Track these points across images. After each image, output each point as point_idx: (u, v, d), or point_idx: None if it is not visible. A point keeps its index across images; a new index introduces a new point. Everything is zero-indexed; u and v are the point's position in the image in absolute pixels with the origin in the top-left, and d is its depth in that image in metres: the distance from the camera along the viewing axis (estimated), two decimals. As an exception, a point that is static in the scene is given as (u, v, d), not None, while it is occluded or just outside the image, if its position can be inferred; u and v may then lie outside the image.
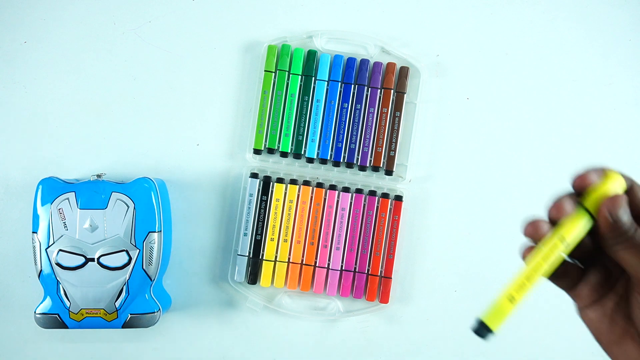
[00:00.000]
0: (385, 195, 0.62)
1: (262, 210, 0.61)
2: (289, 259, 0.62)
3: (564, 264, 0.31)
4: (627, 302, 0.32)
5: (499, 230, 0.63)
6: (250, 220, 0.61)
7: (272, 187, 0.61)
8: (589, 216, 0.30)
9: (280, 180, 0.61)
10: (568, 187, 0.32)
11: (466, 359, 0.63)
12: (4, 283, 0.62)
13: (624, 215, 0.30)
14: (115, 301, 0.56)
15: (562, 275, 0.32)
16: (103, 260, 0.55)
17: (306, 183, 0.61)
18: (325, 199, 0.61)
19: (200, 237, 0.62)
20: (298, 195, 0.61)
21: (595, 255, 0.32)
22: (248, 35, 0.63)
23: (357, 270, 0.62)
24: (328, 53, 0.62)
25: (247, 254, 0.62)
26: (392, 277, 0.62)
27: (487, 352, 0.63)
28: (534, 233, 0.31)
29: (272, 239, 0.61)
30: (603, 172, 0.31)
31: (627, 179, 0.31)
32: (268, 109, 0.61)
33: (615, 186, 0.30)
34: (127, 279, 0.56)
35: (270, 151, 0.62)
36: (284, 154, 0.62)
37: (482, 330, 0.31)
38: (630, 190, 0.31)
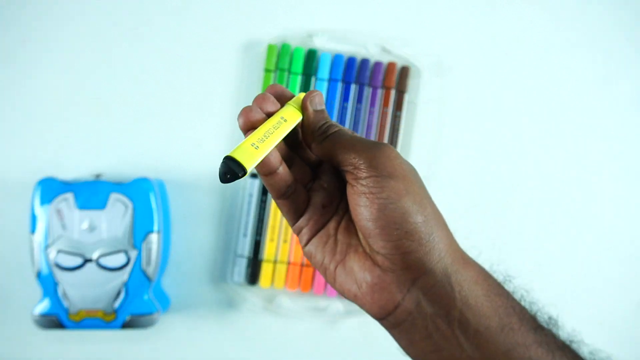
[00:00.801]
0: (385, 196, 0.61)
1: (262, 211, 0.61)
2: (289, 259, 0.61)
3: (292, 185, 0.35)
4: (345, 215, 0.35)
5: (499, 230, 0.63)
6: (250, 221, 0.61)
7: (272, 188, 0.61)
8: (296, 110, 0.34)
9: (280, 181, 0.61)
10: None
11: None
12: (3, 284, 0.61)
13: (322, 104, 0.35)
14: (114, 302, 0.56)
15: (292, 194, 0.35)
16: (102, 261, 0.55)
17: (306, 183, 0.61)
18: (325, 199, 0.61)
19: (200, 237, 0.62)
20: (298, 195, 0.61)
21: (313, 177, 0.36)
22: (248, 35, 0.62)
23: (357, 270, 0.61)
24: (328, 52, 0.61)
25: (247, 255, 0.61)
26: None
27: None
28: (247, 119, 0.33)
29: (272, 240, 0.61)
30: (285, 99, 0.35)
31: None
32: (268, 108, 0.61)
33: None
34: (125, 279, 0.56)
35: (270, 151, 0.62)
36: (284, 154, 0.62)
37: (233, 168, 0.30)
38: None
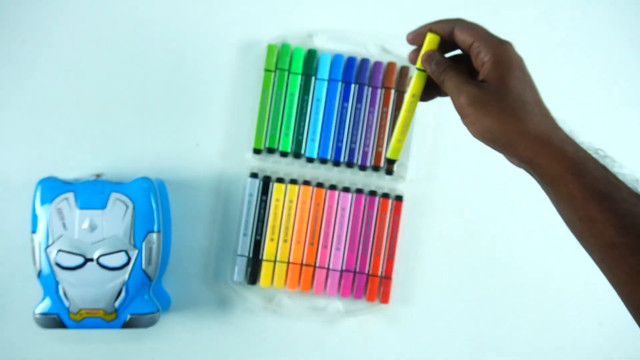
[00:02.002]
0: (385, 196, 0.62)
1: (262, 210, 0.61)
2: (288, 259, 0.61)
3: (426, 91, 0.45)
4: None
5: (499, 230, 0.63)
6: (250, 221, 0.61)
7: (272, 187, 0.61)
8: (422, 72, 0.45)
9: (280, 180, 0.61)
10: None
11: (466, 358, 0.63)
12: (4, 283, 0.61)
13: (433, 63, 0.44)
14: (115, 301, 0.56)
15: (429, 97, 0.46)
16: (102, 260, 0.55)
17: (306, 183, 0.61)
18: (325, 199, 0.61)
19: (200, 237, 0.62)
20: (298, 195, 0.61)
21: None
22: (248, 35, 0.62)
23: (357, 270, 0.62)
24: (328, 52, 0.61)
25: (247, 254, 0.61)
26: (392, 277, 0.61)
27: (487, 352, 0.63)
28: (414, 39, 0.45)
29: (272, 239, 0.61)
30: (426, 32, 0.45)
31: (450, 24, 0.45)
32: (268, 108, 0.61)
33: (430, 44, 0.45)
34: (126, 279, 0.56)
35: (270, 151, 0.62)
36: (284, 154, 0.62)
37: (390, 162, 0.58)
38: (453, 34, 0.44)
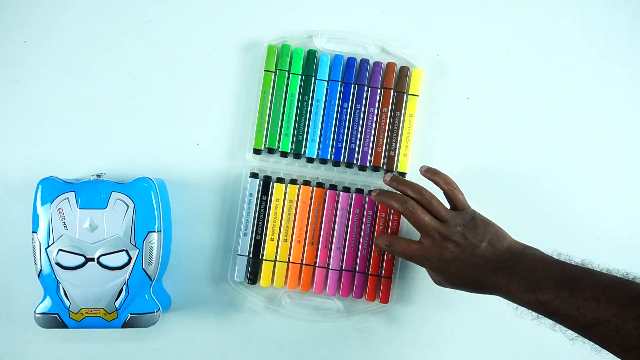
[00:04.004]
0: (385, 195, 0.62)
1: (262, 210, 0.61)
2: (288, 258, 0.62)
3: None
4: None
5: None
6: (250, 220, 0.61)
7: (272, 187, 0.61)
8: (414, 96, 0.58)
9: (280, 180, 0.61)
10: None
11: (466, 359, 0.63)
12: (4, 283, 0.62)
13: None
14: (115, 301, 0.56)
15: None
16: (103, 260, 0.55)
17: (306, 183, 0.61)
18: (325, 199, 0.61)
19: (200, 237, 0.62)
20: (298, 195, 0.61)
21: None
22: (248, 35, 0.63)
23: (357, 270, 0.62)
24: (328, 53, 0.62)
25: (247, 254, 0.61)
26: (392, 277, 0.61)
27: (487, 352, 0.63)
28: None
29: (272, 239, 0.61)
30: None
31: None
32: (268, 108, 0.61)
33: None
34: (126, 278, 0.56)
35: (270, 151, 0.62)
36: (284, 154, 0.62)
37: (401, 174, 0.63)
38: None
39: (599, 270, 0.49)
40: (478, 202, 0.63)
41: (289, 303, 0.63)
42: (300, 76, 0.61)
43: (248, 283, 0.62)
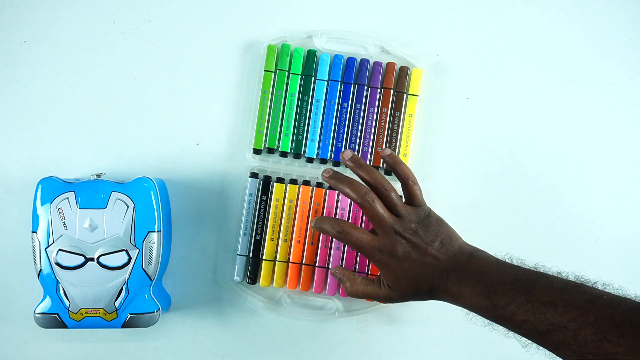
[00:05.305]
0: (385, 195, 0.62)
1: (262, 210, 0.61)
2: (288, 258, 0.62)
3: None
4: None
5: (498, 231, 0.63)
6: (250, 220, 0.61)
7: (272, 187, 0.61)
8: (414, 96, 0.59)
9: (280, 180, 0.61)
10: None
11: (465, 358, 0.63)
12: (4, 283, 0.62)
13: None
14: (115, 301, 0.56)
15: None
16: (103, 259, 0.55)
17: (306, 183, 0.61)
18: (325, 199, 0.61)
19: (200, 236, 0.62)
20: (298, 195, 0.61)
21: None
22: (248, 35, 0.63)
23: (356, 270, 0.62)
24: (328, 53, 0.62)
25: (247, 254, 0.61)
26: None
27: (488, 352, 0.63)
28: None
29: (271, 239, 0.61)
30: None
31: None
32: (268, 108, 0.61)
33: None
34: (126, 278, 0.56)
35: (270, 151, 0.62)
36: (283, 154, 0.62)
37: None
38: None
39: (552, 273, 0.48)
40: (478, 202, 0.63)
41: (288, 303, 0.63)
42: (300, 76, 0.62)
43: (248, 283, 0.62)
